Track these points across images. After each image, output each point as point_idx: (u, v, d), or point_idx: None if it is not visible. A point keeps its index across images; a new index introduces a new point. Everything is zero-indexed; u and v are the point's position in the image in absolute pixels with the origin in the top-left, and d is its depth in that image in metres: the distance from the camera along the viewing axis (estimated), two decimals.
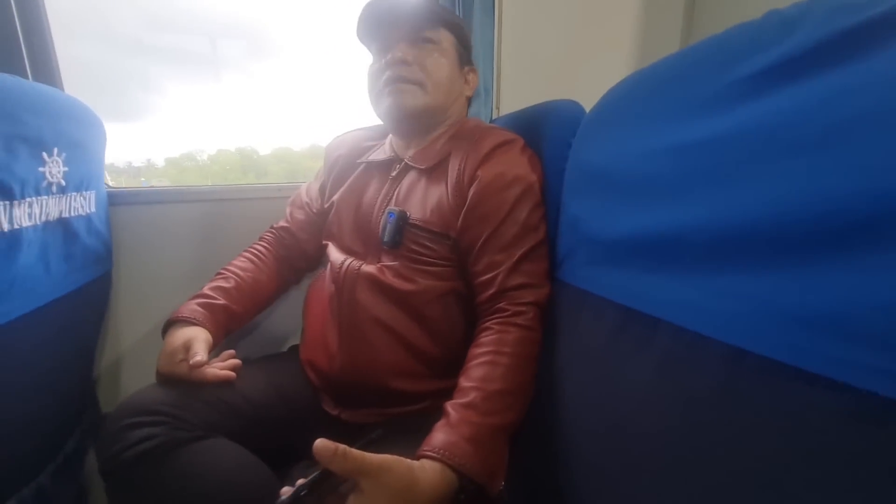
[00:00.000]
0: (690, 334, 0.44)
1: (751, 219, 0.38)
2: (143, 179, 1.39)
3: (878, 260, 0.29)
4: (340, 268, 0.78)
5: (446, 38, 0.80)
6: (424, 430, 0.60)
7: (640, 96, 0.57)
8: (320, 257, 0.96)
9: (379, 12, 0.77)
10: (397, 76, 0.76)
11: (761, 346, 0.37)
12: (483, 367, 0.64)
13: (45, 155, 0.69)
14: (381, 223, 0.78)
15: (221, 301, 0.80)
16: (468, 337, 0.73)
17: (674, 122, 0.48)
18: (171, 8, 1.32)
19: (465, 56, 0.84)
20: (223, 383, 0.70)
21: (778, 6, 0.42)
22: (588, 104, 0.72)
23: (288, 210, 0.97)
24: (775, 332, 0.36)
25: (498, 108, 1.20)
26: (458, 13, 1.13)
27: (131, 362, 1.07)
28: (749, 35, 0.43)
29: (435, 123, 0.82)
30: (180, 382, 0.68)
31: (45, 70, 0.90)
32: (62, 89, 0.93)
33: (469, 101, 0.88)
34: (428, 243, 0.75)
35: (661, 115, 0.51)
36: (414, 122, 0.80)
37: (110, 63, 1.24)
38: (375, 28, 0.79)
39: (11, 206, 0.62)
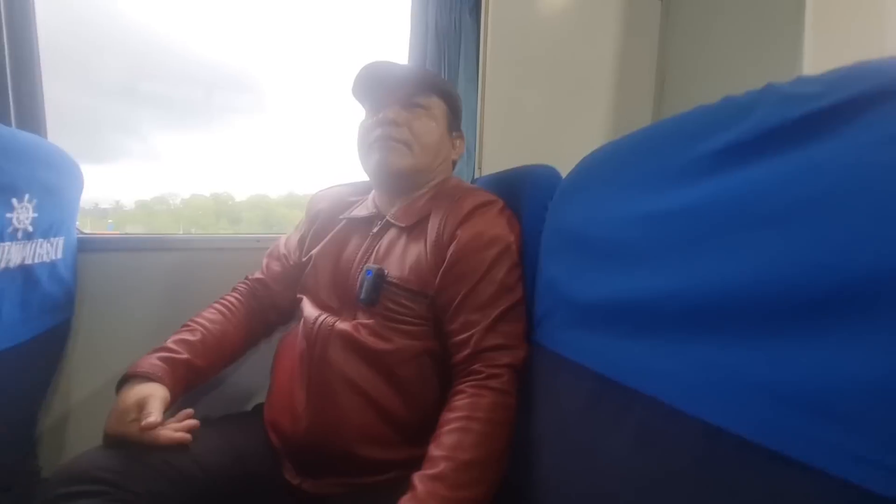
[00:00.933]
0: (666, 408, 0.43)
1: (720, 290, 0.39)
2: (109, 222, 1.35)
3: (841, 337, 0.29)
4: (314, 324, 0.76)
5: (437, 105, 0.83)
6: (391, 502, 0.56)
7: (613, 165, 0.59)
8: (293, 311, 0.93)
9: (376, 73, 0.80)
10: (387, 135, 0.78)
11: (736, 423, 0.36)
12: (455, 434, 0.61)
13: (14, 201, 0.67)
14: (359, 280, 0.77)
15: (184, 355, 0.76)
16: (441, 399, 0.70)
17: (644, 192, 0.50)
18: (165, 57, 1.36)
19: (454, 123, 0.87)
20: (176, 446, 0.65)
21: (734, 92, 0.45)
22: (564, 168, 0.75)
23: (264, 261, 0.95)
24: (749, 409, 0.35)
25: (480, 168, 1.25)
26: (444, 78, 1.19)
27: (80, 419, 0.99)
28: (709, 117, 0.46)
29: (419, 183, 0.83)
30: (129, 445, 0.63)
31: (31, 117, 0.91)
32: (45, 136, 0.93)
33: (454, 164, 0.91)
34: (405, 301, 0.74)
35: (632, 184, 0.53)
36: (399, 181, 0.82)
37: (90, 105, 1.25)
38: (371, 88, 0.81)
39: None
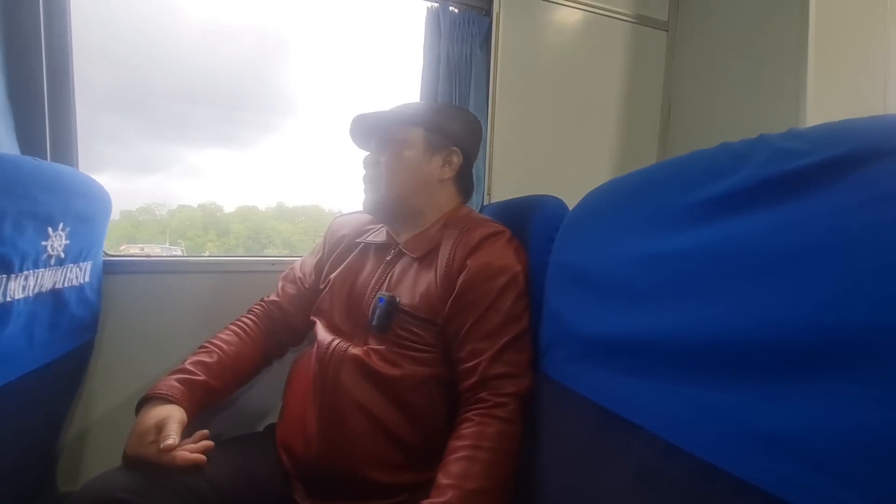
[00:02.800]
0: (665, 444, 0.44)
1: (714, 334, 0.41)
2: None
3: (822, 388, 0.31)
4: (327, 348, 0.78)
5: (412, 133, 0.87)
6: None
7: (615, 205, 0.61)
8: (306, 332, 0.96)
9: (359, 126, 0.90)
10: (363, 178, 0.89)
11: (731, 463, 0.38)
12: (461, 463, 0.63)
13: (50, 230, 0.72)
14: (372, 306, 0.79)
15: (201, 377, 0.79)
16: (449, 424, 0.72)
17: (643, 234, 0.52)
18: (159, 69, 1.38)
19: (439, 142, 0.87)
20: (192, 467, 0.68)
21: (738, 128, 0.47)
22: (570, 196, 0.78)
23: (280, 284, 0.98)
24: (742, 450, 0.37)
25: (489, 195, 1.28)
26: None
27: (99, 438, 1.02)
28: (705, 164, 0.48)
29: (410, 210, 0.86)
30: (147, 466, 0.66)
31: (64, 150, 0.98)
32: (77, 166, 0.99)
33: (459, 183, 0.91)
34: (415, 329, 0.76)
35: (631, 225, 0.55)
36: (381, 213, 0.88)
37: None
38: (357, 137, 0.93)
39: (8, 279, 0.64)
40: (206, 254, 1.45)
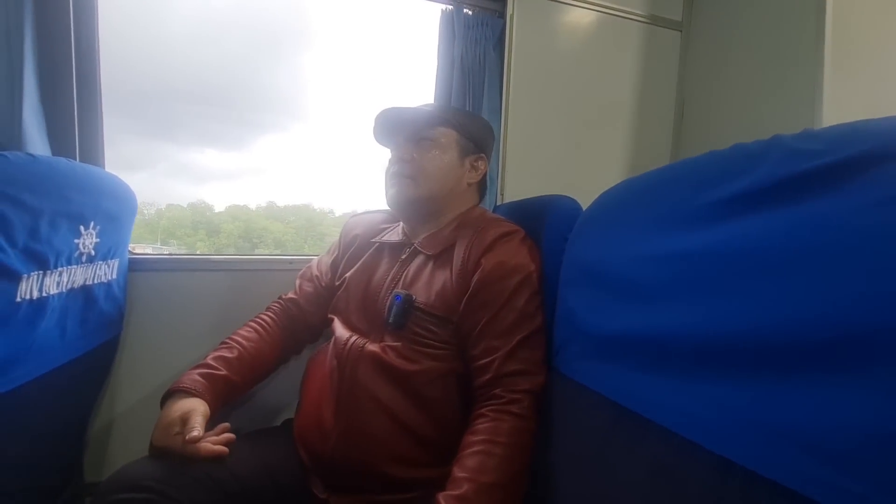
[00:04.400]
0: (679, 439, 0.45)
1: (728, 331, 0.42)
2: None
3: (835, 383, 0.32)
4: (345, 345, 0.80)
5: (445, 135, 0.89)
6: None
7: (629, 204, 0.62)
8: (323, 330, 0.98)
9: (388, 118, 0.90)
10: (397, 171, 0.88)
11: (746, 458, 0.38)
12: (477, 457, 0.64)
13: (81, 228, 0.75)
14: (388, 304, 0.81)
15: (223, 372, 0.81)
16: (464, 419, 0.73)
17: (657, 233, 0.53)
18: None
19: (469, 147, 0.91)
20: (215, 458, 0.70)
21: (752, 128, 0.48)
22: (582, 197, 0.79)
23: (297, 282, 1.01)
24: (757, 444, 0.38)
25: (502, 195, 1.29)
26: (468, 109, 1.25)
27: (123, 429, 1.05)
28: (720, 165, 0.49)
29: (435, 209, 0.88)
30: (172, 456, 0.68)
31: (92, 150, 1.01)
32: (104, 167, 1.03)
33: (479, 186, 0.95)
34: (431, 326, 0.77)
35: (645, 225, 0.56)
36: (411, 209, 0.89)
37: None
38: (385, 132, 0.92)
39: (44, 275, 0.67)
40: (199, 252, 1.46)
